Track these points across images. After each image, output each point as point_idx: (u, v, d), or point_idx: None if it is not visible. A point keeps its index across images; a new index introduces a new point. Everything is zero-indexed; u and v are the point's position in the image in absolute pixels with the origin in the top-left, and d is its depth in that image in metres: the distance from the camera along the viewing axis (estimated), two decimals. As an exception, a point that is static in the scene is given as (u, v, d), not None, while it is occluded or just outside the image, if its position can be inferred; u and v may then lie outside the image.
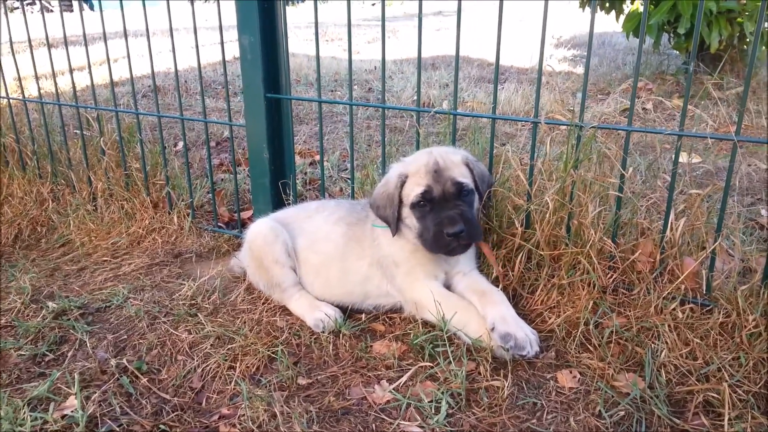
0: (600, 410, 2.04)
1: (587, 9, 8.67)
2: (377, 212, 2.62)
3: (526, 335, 2.26)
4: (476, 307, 2.43)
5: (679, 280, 2.43)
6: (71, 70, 3.91)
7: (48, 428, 2.05)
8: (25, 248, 3.65)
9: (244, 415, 2.09)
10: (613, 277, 2.57)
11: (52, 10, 20.54)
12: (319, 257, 2.77)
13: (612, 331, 2.37)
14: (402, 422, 2.04)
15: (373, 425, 2.05)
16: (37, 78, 4.13)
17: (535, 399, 2.13)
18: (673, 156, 2.49)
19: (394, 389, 2.20)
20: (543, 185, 2.68)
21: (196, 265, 3.27)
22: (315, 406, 2.15)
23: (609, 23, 9.51)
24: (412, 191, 2.47)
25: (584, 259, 2.53)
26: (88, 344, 2.56)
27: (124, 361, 2.42)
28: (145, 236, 3.60)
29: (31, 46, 3.93)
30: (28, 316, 2.81)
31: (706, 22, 7.06)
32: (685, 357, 2.23)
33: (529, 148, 2.72)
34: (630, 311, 2.45)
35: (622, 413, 2.03)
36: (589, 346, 2.36)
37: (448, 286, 2.61)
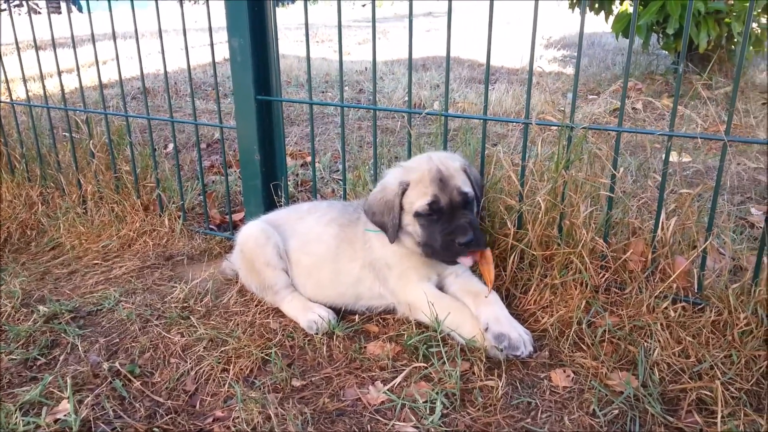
0: (594, 409, 2.05)
1: (577, 10, 8.72)
2: (372, 218, 2.58)
3: (519, 335, 2.27)
4: (470, 308, 2.44)
5: (671, 279, 2.44)
6: (59, 73, 3.87)
7: (40, 433, 2.03)
8: (14, 252, 3.61)
9: (238, 417, 2.08)
10: (606, 276, 2.58)
11: (39, 12, 20.35)
12: (311, 258, 2.76)
13: (605, 330, 2.38)
14: (397, 423, 2.04)
15: (368, 426, 2.05)
16: (25, 80, 4.10)
17: (529, 398, 2.13)
18: (664, 156, 2.51)
19: (388, 390, 2.20)
20: (535, 186, 2.69)
21: (188, 268, 3.26)
22: (309, 407, 2.14)
23: (598, 24, 9.57)
24: (418, 200, 2.43)
25: (576, 258, 2.54)
26: (80, 348, 2.53)
27: (117, 364, 2.39)
28: (135, 239, 3.57)
29: (18, 48, 3.89)
30: (18, 320, 2.78)
31: (694, 23, 7.13)
32: (677, 355, 2.24)
33: (521, 148, 2.73)
34: (622, 310, 2.47)
35: (616, 412, 2.04)
36: (582, 345, 2.37)
37: (440, 288, 2.60)
